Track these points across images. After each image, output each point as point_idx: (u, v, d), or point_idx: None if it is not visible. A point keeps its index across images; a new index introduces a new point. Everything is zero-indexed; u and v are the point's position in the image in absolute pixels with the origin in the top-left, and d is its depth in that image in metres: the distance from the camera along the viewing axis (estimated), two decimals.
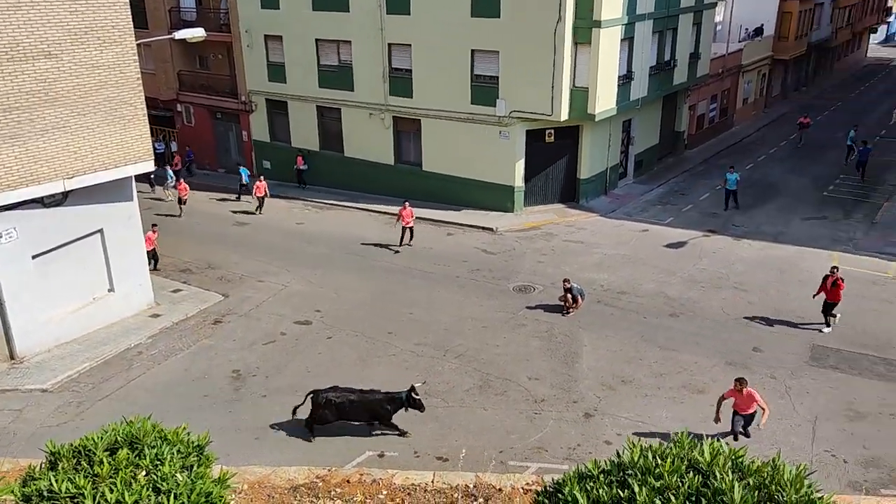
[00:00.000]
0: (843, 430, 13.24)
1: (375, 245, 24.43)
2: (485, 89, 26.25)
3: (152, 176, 28.20)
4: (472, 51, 26.11)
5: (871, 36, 71.27)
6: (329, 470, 9.27)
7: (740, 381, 12.45)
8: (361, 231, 26.05)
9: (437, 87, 27.21)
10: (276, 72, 31.39)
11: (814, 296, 17.65)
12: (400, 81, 28.10)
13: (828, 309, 17.26)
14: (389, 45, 27.85)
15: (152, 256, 21.62)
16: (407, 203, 24.05)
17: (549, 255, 23.01)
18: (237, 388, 15.34)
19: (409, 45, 27.37)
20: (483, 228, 25.78)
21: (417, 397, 13.16)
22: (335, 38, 29.16)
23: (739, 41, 41.02)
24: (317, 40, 29.69)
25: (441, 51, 26.61)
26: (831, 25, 51.23)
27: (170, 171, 30.47)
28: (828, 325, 17.30)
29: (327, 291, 20.39)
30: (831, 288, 17.06)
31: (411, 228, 23.90)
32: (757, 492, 3.83)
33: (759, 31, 42.53)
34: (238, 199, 30.25)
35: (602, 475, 4.21)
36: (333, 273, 21.80)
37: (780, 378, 15.17)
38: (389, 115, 28.93)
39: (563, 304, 18.57)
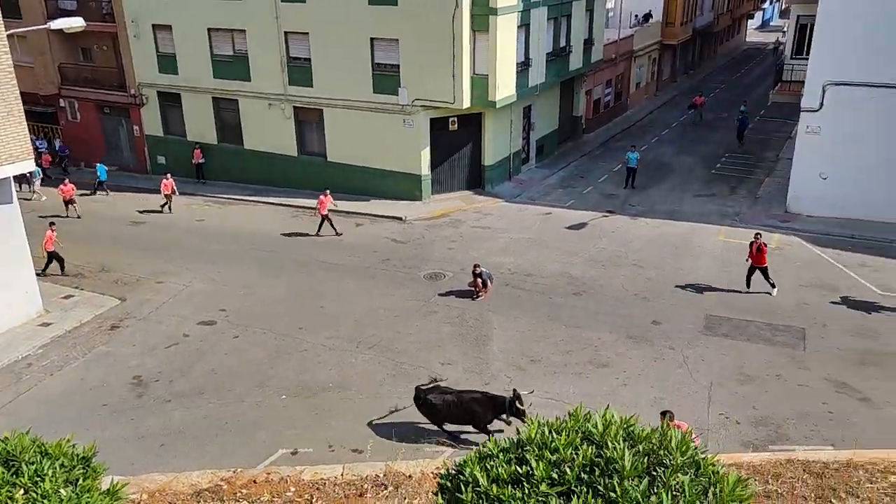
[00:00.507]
0: (736, 394, 14.10)
1: (281, 239, 23.93)
2: (386, 78, 26.09)
3: (29, 174, 26.43)
4: (372, 39, 25.87)
5: (749, 21, 75.61)
6: (234, 471, 9.04)
7: (663, 415, 10.74)
8: (266, 225, 25.43)
9: (337, 75, 26.81)
10: (167, 63, 30.04)
11: (746, 260, 18.92)
12: (299, 70, 27.51)
13: (765, 274, 18.60)
14: (286, 33, 27.19)
15: (54, 257, 20.41)
16: (327, 191, 24.30)
17: (458, 241, 23.22)
18: (139, 395, 14.68)
19: (307, 33, 26.82)
20: (392, 218, 25.72)
21: (522, 407, 11.72)
22: (228, 26, 28.18)
23: (630, 27, 42.60)
24: (209, 29, 28.60)
25: (340, 39, 26.21)
26: (713, 12, 54.01)
27: (37, 169, 28.51)
28: (773, 286, 18.63)
29: (232, 289, 19.79)
30: (756, 253, 18.39)
31: (326, 216, 23.89)
32: (647, 458, 4.03)
33: (647, 17, 44.28)
34: (94, 193, 28.97)
35: (502, 453, 4.32)
36: (238, 270, 21.18)
37: (678, 348, 15.96)
38: (290, 105, 28.29)
39: (473, 289, 18.81)
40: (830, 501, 6.74)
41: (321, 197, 23.96)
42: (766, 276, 18.64)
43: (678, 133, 37.48)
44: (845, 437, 12.31)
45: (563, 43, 30.49)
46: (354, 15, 25.60)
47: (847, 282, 19.32)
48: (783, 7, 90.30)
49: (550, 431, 4.22)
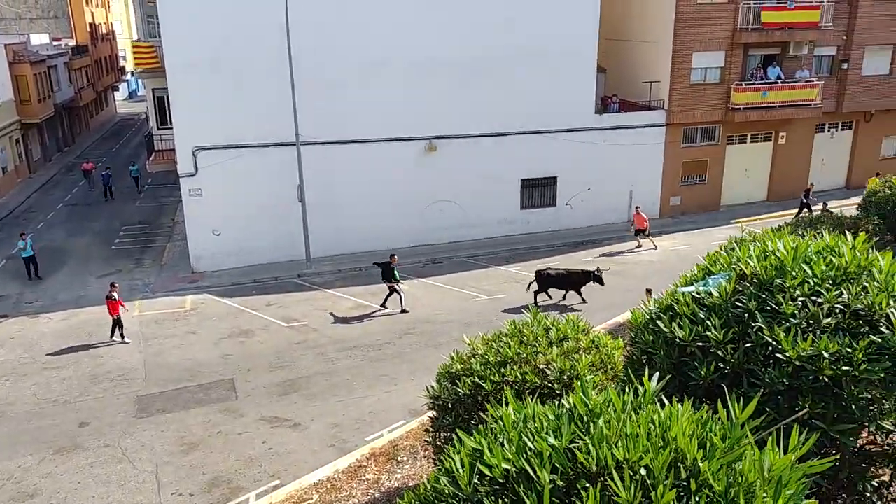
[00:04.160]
0: (183, 466, 13.83)
1: None
2: None
3: None
4: None
5: (116, 93, 76.06)
6: None
7: None
8: None
9: None
10: None
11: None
12: None
13: (115, 325, 19.93)
14: None
15: None
16: None
17: None
18: None
19: None
20: None
21: (599, 274, 20.75)
22: None
23: None
24: None
25: None
26: (72, 86, 52.23)
27: None
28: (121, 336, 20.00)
29: None
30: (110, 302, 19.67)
31: None
32: None
33: None
34: None
35: None
36: None
37: (114, 443, 14.77)
38: None
39: None
40: None
41: None
42: (115, 328, 19.95)
43: (67, 213, 34.96)
44: (287, 467, 13.43)
45: None
46: None
47: (259, 323, 21.19)
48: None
49: None
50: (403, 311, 21.42)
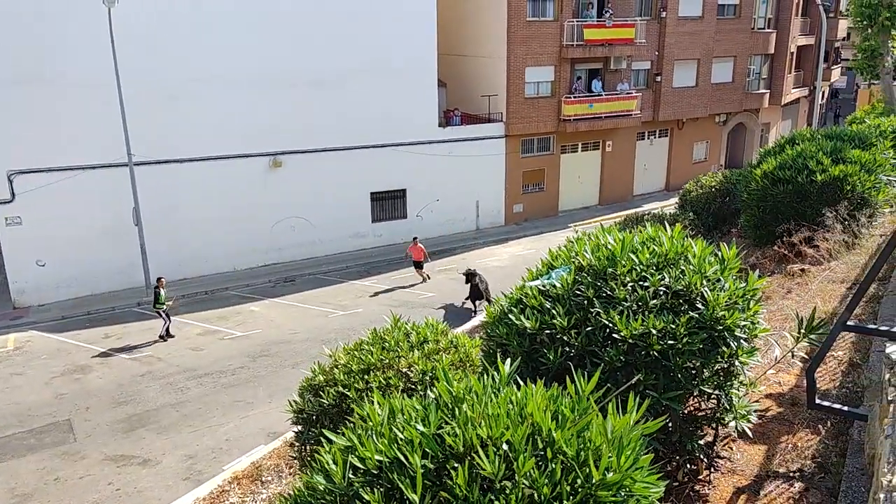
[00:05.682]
0: None
1: None
2: None
3: None
4: None
5: None
6: None
7: None
8: None
9: None
10: None
11: None
12: None
13: None
14: None
15: None
16: None
17: None
18: None
19: None
20: None
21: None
22: None
23: None
24: None
25: None
26: None
27: None
28: None
29: None
30: None
31: None
32: None
33: None
34: None
35: None
36: None
37: None
38: None
39: None
40: None
41: None
42: None
43: None
44: None
45: None
46: None
47: (97, 357, 19.64)
48: None
49: None
50: (163, 337, 20.44)
